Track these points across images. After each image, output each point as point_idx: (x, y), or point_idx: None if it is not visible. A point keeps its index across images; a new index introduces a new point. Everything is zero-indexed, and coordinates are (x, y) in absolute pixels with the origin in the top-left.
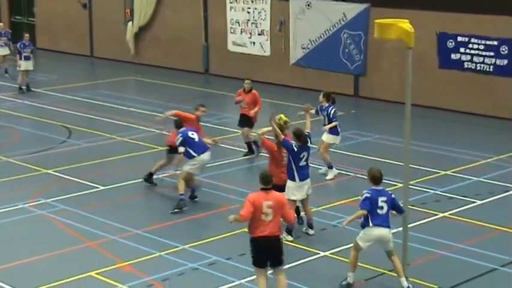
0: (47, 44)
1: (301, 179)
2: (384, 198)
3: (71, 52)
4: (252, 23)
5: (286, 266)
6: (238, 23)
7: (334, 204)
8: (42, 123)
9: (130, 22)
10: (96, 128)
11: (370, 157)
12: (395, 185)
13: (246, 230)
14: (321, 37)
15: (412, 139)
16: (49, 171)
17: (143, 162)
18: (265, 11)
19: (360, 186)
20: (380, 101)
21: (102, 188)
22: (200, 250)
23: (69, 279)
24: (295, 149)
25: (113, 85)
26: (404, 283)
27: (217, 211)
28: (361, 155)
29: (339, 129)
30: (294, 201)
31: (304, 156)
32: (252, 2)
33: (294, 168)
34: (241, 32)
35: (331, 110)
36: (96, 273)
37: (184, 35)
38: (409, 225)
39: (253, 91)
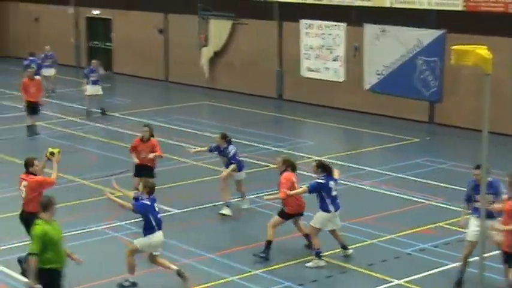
0: (123, 68)
1: (336, 209)
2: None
3: (147, 76)
4: (326, 49)
5: None
6: (313, 48)
7: (409, 231)
8: (117, 146)
9: (205, 47)
10: (170, 152)
11: (444, 184)
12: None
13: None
14: (395, 63)
15: (490, 167)
16: (122, 193)
17: (217, 187)
18: (339, 37)
19: (432, 213)
20: (455, 127)
21: (175, 211)
22: (272, 275)
23: None
24: (323, 181)
25: (187, 110)
26: None
27: (291, 236)
28: (434, 182)
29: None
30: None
31: (332, 185)
32: (327, 27)
33: (325, 199)
34: (316, 57)
35: (230, 150)
36: None
37: (258, 60)
38: (485, 255)
39: (152, 140)
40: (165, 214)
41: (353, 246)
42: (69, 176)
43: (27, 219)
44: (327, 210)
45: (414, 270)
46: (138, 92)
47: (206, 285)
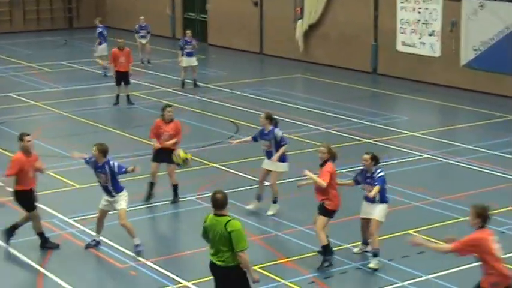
0: (218, 40)
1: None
2: None
3: (241, 49)
4: (422, 23)
5: None
6: (409, 22)
7: (503, 209)
8: (210, 117)
9: (301, 20)
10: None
11: None
12: None
13: (410, 232)
14: (493, 38)
15: None
16: (216, 165)
17: (310, 160)
18: (436, 11)
19: None
20: None
21: (267, 183)
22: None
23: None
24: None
25: (281, 82)
26: None
27: None
28: None
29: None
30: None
31: None
32: (424, 1)
33: (385, 190)
34: (412, 32)
35: (277, 132)
36: (259, 267)
37: (353, 34)
38: None
39: (176, 120)
40: (256, 186)
41: (445, 223)
42: None
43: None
44: (387, 201)
45: (508, 248)
46: (233, 64)
47: (297, 257)
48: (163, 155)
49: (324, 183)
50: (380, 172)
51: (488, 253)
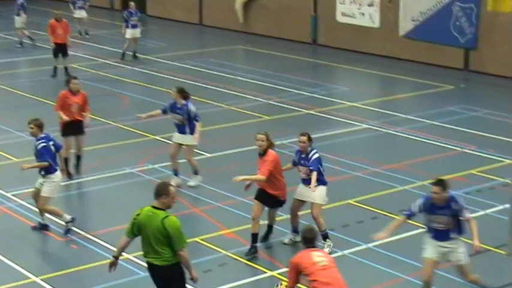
0: (158, 11)
1: None
2: None
3: (181, 20)
4: None
5: None
6: None
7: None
8: (150, 89)
9: None
10: (203, 96)
11: (478, 132)
12: (504, 161)
13: (351, 202)
14: (431, 9)
15: None
16: (157, 137)
17: (250, 131)
18: None
19: (465, 160)
20: (491, 75)
21: (208, 155)
22: (304, 219)
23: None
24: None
25: (221, 54)
26: None
27: None
28: (469, 130)
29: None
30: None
31: None
32: None
33: (322, 171)
34: (351, 2)
35: (192, 108)
36: (201, 239)
37: (293, 5)
38: None
39: (82, 92)
40: (198, 158)
41: (385, 192)
42: (103, 119)
43: None
44: (326, 183)
45: None
46: (172, 35)
47: (238, 228)
48: (74, 127)
49: (262, 177)
50: (315, 153)
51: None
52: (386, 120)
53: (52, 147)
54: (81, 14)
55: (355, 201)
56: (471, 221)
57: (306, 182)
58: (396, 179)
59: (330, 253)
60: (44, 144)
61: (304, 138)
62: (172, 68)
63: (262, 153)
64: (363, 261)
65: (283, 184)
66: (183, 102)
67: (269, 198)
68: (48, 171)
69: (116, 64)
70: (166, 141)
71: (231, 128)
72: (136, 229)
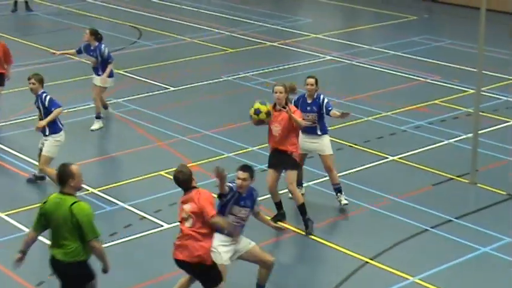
0: None
1: None
2: None
3: None
4: None
5: None
6: None
7: (404, 109)
8: (112, 23)
9: None
10: (166, 29)
11: (441, 62)
12: (467, 91)
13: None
14: None
15: (486, 45)
16: (120, 71)
17: (213, 64)
18: None
19: (429, 90)
20: (454, 5)
21: (172, 89)
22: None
23: (139, 178)
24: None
25: None
26: None
27: None
28: (431, 60)
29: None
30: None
31: None
32: None
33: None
34: None
35: (104, 49)
36: (166, 172)
37: None
38: (480, 132)
39: (2, 42)
40: (162, 92)
41: (349, 123)
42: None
43: None
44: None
45: (409, 146)
46: None
47: (204, 161)
48: None
49: (303, 122)
50: (324, 98)
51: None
52: (350, 52)
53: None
54: None
55: None
56: None
57: (311, 131)
58: (360, 110)
59: (346, 204)
60: (50, 96)
61: (312, 80)
62: (133, 1)
63: (281, 107)
64: (324, 190)
65: (298, 145)
66: (96, 44)
67: (287, 158)
68: (54, 129)
69: None
70: (130, 75)
71: (194, 61)
72: (44, 220)
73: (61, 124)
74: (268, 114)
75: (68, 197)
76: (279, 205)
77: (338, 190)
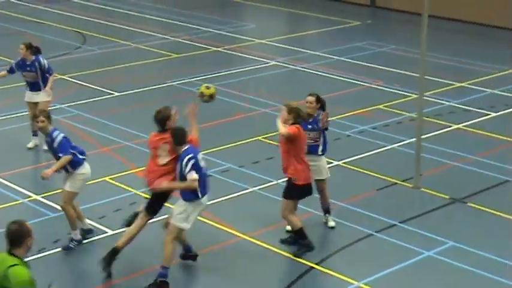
0: None
1: None
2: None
3: None
4: None
5: None
6: None
7: (348, 114)
8: (55, 28)
9: None
10: (110, 34)
11: (385, 68)
12: (410, 96)
13: (260, 138)
14: None
15: (428, 50)
16: (64, 76)
17: (158, 70)
18: None
19: (372, 95)
20: (397, 11)
21: (117, 94)
22: (214, 157)
23: None
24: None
25: None
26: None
27: (231, 119)
28: (376, 65)
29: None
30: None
31: None
32: None
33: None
34: None
35: (44, 62)
36: (110, 178)
37: None
38: (423, 136)
39: None
40: (107, 97)
41: None
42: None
43: None
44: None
45: (353, 151)
46: None
47: None
48: None
49: (285, 131)
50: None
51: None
52: (294, 57)
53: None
54: None
55: (263, 138)
56: None
57: (311, 150)
58: None
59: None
60: (62, 134)
61: (312, 98)
62: (77, 6)
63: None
64: (270, 196)
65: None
66: (33, 58)
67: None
68: (72, 164)
69: (19, 2)
70: (74, 80)
71: (138, 66)
72: None
73: (81, 154)
74: (211, 96)
75: (10, 258)
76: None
77: (327, 211)
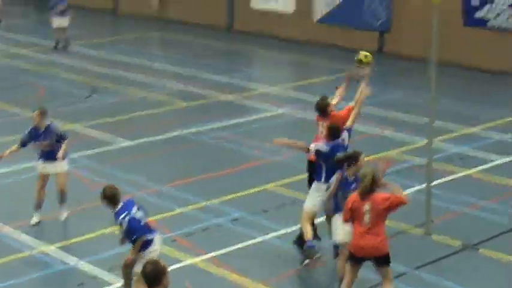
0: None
1: None
2: None
3: (94, 7)
4: None
5: None
6: None
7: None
8: (65, 79)
9: None
10: (119, 83)
11: (394, 113)
12: (420, 142)
13: (267, 187)
14: None
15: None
16: (74, 126)
17: (167, 119)
18: None
19: (382, 143)
20: (405, 57)
21: (127, 143)
22: (223, 206)
23: (93, 235)
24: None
25: (137, 41)
26: None
27: (241, 168)
28: (384, 112)
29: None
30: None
31: None
32: None
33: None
34: None
35: (57, 126)
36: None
37: None
38: (433, 183)
39: None
40: (116, 147)
41: (305, 175)
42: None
43: None
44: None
45: None
46: (86, 23)
47: (158, 216)
48: None
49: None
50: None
51: None
52: (302, 105)
53: (136, 215)
54: None
55: (275, 186)
56: None
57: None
58: None
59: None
60: (128, 215)
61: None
62: (87, 56)
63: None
64: (281, 245)
65: None
66: (45, 124)
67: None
68: (145, 246)
69: (27, 54)
70: (83, 130)
71: (148, 115)
72: None
73: (149, 230)
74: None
75: None
76: None
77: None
